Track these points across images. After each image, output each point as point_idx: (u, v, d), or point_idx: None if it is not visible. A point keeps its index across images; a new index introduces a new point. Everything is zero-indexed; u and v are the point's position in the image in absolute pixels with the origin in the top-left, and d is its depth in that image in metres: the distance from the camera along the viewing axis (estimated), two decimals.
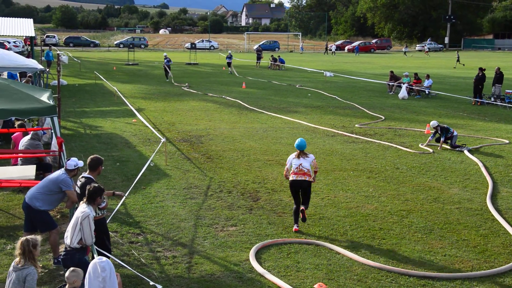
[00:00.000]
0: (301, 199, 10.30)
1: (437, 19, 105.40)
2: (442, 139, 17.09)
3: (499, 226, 10.56)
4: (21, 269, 6.10)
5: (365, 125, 21.05)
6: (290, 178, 10.26)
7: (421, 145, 17.46)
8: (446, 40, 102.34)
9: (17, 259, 6.18)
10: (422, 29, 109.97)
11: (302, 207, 10.19)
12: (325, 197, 12.14)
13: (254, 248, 9.16)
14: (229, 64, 45.75)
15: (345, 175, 14.01)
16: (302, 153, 10.35)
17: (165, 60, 38.99)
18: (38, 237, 6.35)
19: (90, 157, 8.53)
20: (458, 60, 56.18)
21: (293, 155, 10.43)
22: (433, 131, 17.46)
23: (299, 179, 10.14)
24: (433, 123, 17.45)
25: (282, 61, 50.75)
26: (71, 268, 6.13)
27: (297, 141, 10.52)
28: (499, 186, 13.15)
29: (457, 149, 16.89)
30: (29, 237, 6.27)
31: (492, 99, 27.56)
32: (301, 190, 10.26)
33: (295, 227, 10.24)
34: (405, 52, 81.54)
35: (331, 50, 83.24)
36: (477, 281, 8.27)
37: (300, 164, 10.19)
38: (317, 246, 9.45)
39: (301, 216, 10.17)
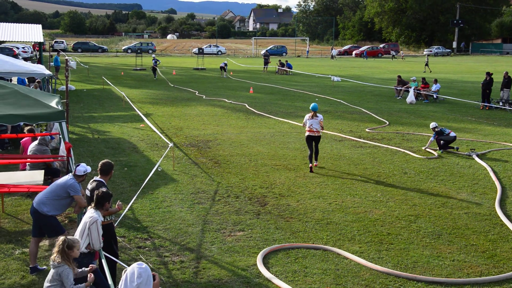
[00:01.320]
0: (314, 147, 14.76)
1: (445, 24, 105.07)
2: (431, 139, 17.36)
3: (508, 231, 10.49)
4: (57, 266, 6.41)
5: (373, 130, 21.01)
6: (306, 134, 14.89)
7: (424, 147, 17.54)
8: (454, 44, 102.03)
9: (53, 255, 6.45)
10: (430, 34, 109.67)
11: (315, 163, 14.85)
12: (333, 202, 12.11)
13: (261, 253, 9.15)
14: (223, 68, 46.75)
15: (353, 180, 13.98)
16: (314, 114, 14.76)
17: (153, 61, 43.36)
18: (78, 240, 6.56)
19: (102, 161, 8.47)
20: (426, 64, 55.24)
21: (308, 115, 14.87)
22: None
23: (311, 134, 14.75)
24: (432, 124, 17.60)
25: (290, 66, 50.78)
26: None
27: (311, 105, 15.11)
28: (507, 191, 13.08)
29: (448, 149, 17.17)
30: (69, 237, 6.52)
31: (501, 103, 27.46)
32: (313, 141, 14.72)
33: (310, 165, 14.67)
34: (393, 56, 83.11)
35: (332, 54, 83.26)
36: (486, 286, 8.22)
37: (311, 125, 14.72)
38: (325, 251, 9.43)
39: (314, 164, 14.78)
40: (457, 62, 73.69)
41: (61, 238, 6.45)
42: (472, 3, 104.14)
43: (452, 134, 17.30)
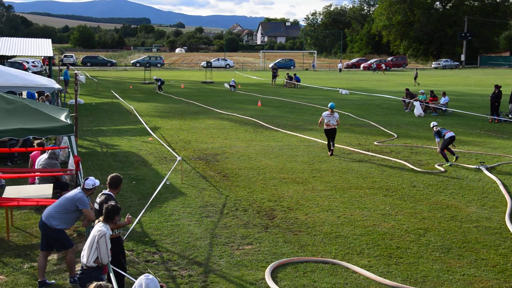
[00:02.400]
0: (331, 138, 18.34)
1: (453, 37, 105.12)
2: (437, 140, 17.62)
3: None
4: None
5: (381, 143, 20.97)
6: (324, 127, 18.40)
7: (438, 165, 17.37)
8: (463, 57, 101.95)
9: None
10: (438, 47, 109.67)
11: (332, 148, 18.37)
12: (342, 215, 12.06)
13: (270, 267, 9.11)
14: (232, 86, 46.62)
15: (361, 193, 13.93)
16: (331, 111, 18.31)
17: (156, 79, 45.34)
18: (109, 285, 6.10)
19: (111, 175, 8.51)
20: (415, 78, 55.02)
21: (326, 112, 18.45)
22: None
23: (329, 128, 18.35)
24: (432, 123, 17.85)
25: (298, 79, 50.84)
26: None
27: (330, 104, 18.88)
28: None
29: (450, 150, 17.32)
30: (102, 283, 5.94)
31: (510, 116, 27.35)
32: (330, 133, 18.31)
33: (329, 153, 18.38)
34: (374, 69, 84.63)
35: (339, 68, 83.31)
36: None
37: (329, 121, 18.24)
38: (334, 265, 9.38)
39: (330, 153, 18.34)
40: (465, 75, 73.58)
41: (93, 285, 5.84)
42: (479, 16, 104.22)
43: (448, 134, 17.14)
